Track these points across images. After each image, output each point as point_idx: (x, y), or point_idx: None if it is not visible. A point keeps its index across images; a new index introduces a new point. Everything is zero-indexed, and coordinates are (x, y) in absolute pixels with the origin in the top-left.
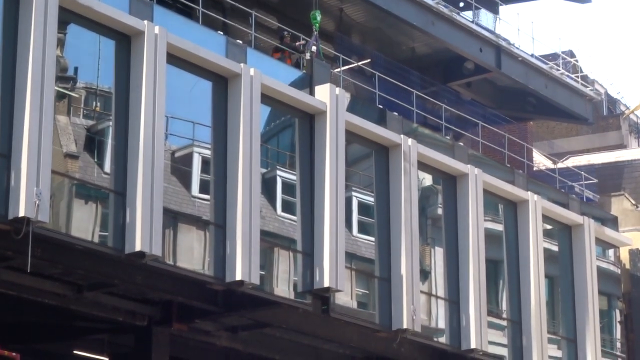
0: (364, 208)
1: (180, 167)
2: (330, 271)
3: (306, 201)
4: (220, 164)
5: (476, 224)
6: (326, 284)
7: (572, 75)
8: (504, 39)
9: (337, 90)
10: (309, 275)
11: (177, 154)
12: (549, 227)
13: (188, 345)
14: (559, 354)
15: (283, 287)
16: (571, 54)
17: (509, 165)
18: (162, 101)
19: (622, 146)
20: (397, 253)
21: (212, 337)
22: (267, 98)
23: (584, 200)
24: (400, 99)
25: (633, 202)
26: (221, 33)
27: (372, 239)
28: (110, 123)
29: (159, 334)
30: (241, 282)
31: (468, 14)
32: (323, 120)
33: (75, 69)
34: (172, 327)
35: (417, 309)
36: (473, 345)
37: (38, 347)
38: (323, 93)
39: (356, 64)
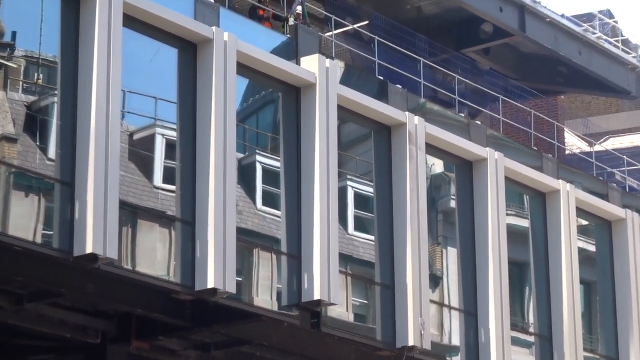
0: (361, 200)
1: (139, 152)
2: (321, 279)
3: (292, 192)
4: (188, 147)
5: (497, 219)
6: (316, 295)
7: (611, 40)
8: None
9: (328, 61)
10: (296, 283)
11: (136, 136)
12: (584, 222)
13: None
14: None
15: (264, 297)
16: (609, 14)
17: (535, 149)
18: (117, 72)
19: None
20: (401, 255)
21: (178, 357)
22: (244, 68)
23: (627, 190)
24: (404, 69)
25: None
26: None
27: (372, 238)
28: (56, 99)
29: (114, 353)
30: (214, 291)
31: None
32: (311, 94)
33: (13, 34)
34: (131, 345)
35: (427, 322)
36: None
37: None
38: (311, 63)
39: (351, 27)
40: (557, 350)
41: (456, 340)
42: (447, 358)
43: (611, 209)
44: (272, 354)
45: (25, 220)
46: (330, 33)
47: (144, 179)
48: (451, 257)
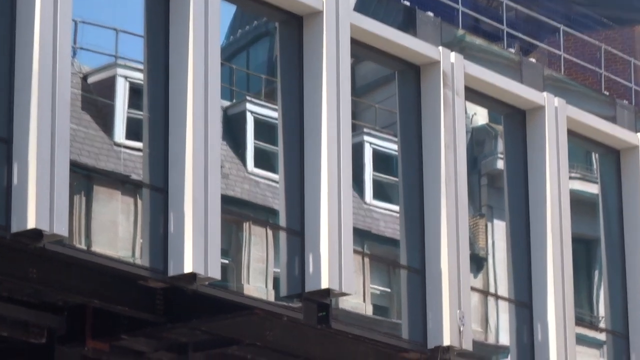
0: (382, 160)
1: (96, 100)
2: (330, 261)
3: (292, 151)
4: (159, 93)
5: (557, 184)
6: (324, 283)
7: None
8: None
9: None
10: (298, 267)
11: (91, 79)
12: None
13: None
14: None
15: (257, 285)
16: None
17: (607, 93)
18: None
19: None
20: (434, 230)
21: None
22: None
23: None
24: None
25: None
26: None
27: (396, 208)
28: None
29: (64, 356)
30: (192, 277)
31: None
32: (317, 24)
33: None
34: (86, 346)
35: (467, 315)
36: None
37: None
38: None
39: None
40: (636, 350)
41: (505, 339)
42: None
43: None
44: (268, 357)
45: None
46: None
47: (101, 134)
48: (498, 233)
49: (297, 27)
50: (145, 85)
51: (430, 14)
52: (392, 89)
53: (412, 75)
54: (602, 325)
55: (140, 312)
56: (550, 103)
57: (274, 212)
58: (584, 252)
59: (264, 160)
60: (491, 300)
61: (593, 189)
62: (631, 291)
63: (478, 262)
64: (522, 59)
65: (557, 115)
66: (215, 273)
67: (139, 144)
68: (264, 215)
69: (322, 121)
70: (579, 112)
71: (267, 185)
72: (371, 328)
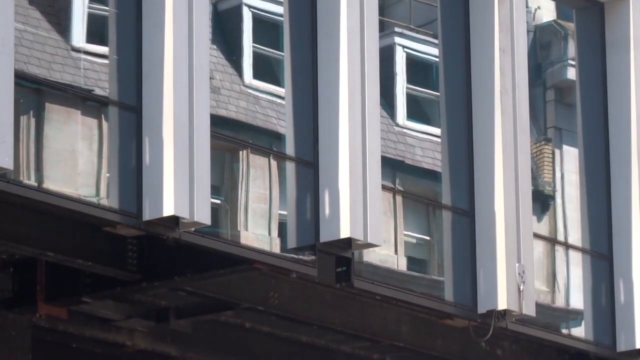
0: (417, 69)
1: None
2: (352, 202)
3: (302, 57)
4: None
5: None
6: (345, 230)
7: None
8: None
9: None
10: (311, 209)
11: None
12: None
13: (67, 348)
14: None
15: (258, 232)
16: None
17: None
18: None
19: None
20: (485, 159)
21: (117, 330)
22: None
23: None
24: None
25: None
26: None
27: (437, 131)
28: None
29: (11, 324)
30: (174, 221)
31: None
32: None
33: None
34: (38, 311)
35: (529, 271)
36: None
37: None
38: None
39: None
40: None
41: (578, 302)
42: (564, 330)
43: None
44: (272, 325)
45: None
46: None
47: (55, 36)
48: (569, 163)
49: None
50: None
51: None
52: None
53: None
54: None
55: (107, 267)
56: None
57: (278, 137)
58: None
59: (266, 70)
60: (560, 251)
61: None
62: None
63: (543, 202)
64: None
65: None
66: (204, 217)
67: (103, 49)
68: (266, 141)
69: (340, 18)
70: None
71: (269, 102)
72: (405, 288)
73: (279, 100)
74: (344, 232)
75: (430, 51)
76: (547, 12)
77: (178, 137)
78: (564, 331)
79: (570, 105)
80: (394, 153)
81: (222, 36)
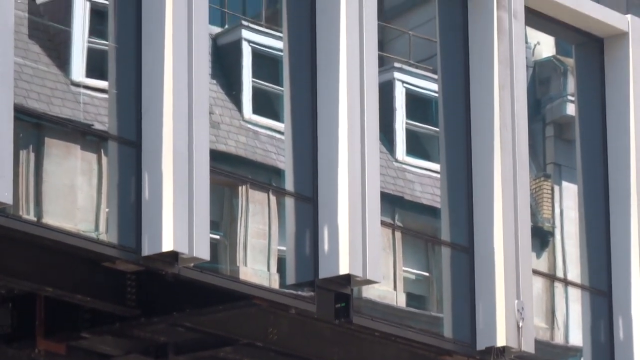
0: (417, 104)
1: (48, 25)
2: (351, 238)
3: (302, 91)
4: (129, 16)
5: None
6: (344, 266)
7: None
8: None
9: None
10: (310, 245)
11: None
12: None
13: None
14: None
15: (257, 267)
16: None
17: None
18: None
19: None
20: (484, 195)
21: None
22: None
23: None
24: None
25: None
26: None
27: (436, 167)
28: None
29: (11, 358)
30: (173, 257)
31: None
32: None
33: None
34: (37, 346)
35: (527, 308)
36: None
37: None
38: None
39: None
40: None
41: (577, 338)
42: None
43: None
44: None
45: None
46: None
47: (55, 70)
48: (568, 199)
49: None
50: (111, 6)
51: None
52: (431, 11)
53: None
54: None
55: (106, 302)
56: (636, 28)
57: (278, 173)
58: None
59: (265, 104)
60: (559, 288)
61: None
62: None
63: (542, 238)
64: None
65: None
66: (203, 252)
67: (103, 84)
68: (265, 176)
69: (339, 53)
70: None
71: (268, 137)
72: (404, 324)
73: (278, 136)
74: (343, 269)
75: (429, 86)
76: (546, 48)
77: (177, 172)
78: None
79: (570, 141)
80: (393, 189)
81: (221, 71)
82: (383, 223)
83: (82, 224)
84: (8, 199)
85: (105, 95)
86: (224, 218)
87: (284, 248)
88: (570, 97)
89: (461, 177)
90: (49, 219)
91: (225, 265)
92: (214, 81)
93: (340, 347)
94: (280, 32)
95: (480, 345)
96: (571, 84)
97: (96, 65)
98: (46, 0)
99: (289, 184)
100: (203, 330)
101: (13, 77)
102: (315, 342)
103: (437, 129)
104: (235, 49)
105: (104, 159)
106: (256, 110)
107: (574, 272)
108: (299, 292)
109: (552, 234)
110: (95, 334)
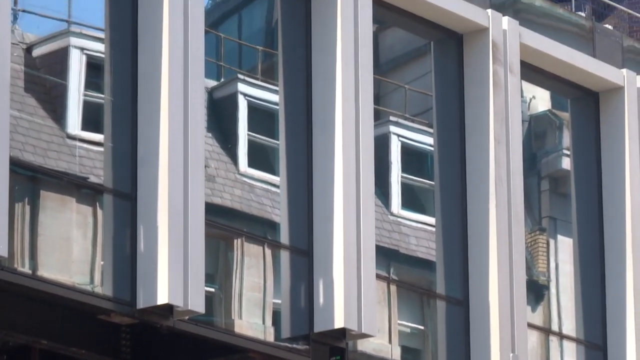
0: (413, 158)
1: (44, 78)
2: (346, 292)
3: (297, 145)
4: (124, 69)
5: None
6: (339, 320)
7: None
8: None
9: None
10: (305, 298)
11: (37, 51)
12: None
13: None
14: None
15: (252, 320)
16: None
17: None
18: None
19: None
20: (480, 249)
21: None
22: None
23: None
24: None
25: None
26: None
27: (431, 220)
28: None
29: None
30: (168, 310)
31: None
32: None
33: None
34: None
35: None
36: None
37: None
38: None
39: None
40: None
41: None
42: None
43: None
44: None
45: None
46: None
47: (51, 124)
48: (563, 252)
49: None
50: (107, 59)
51: None
52: (427, 65)
53: (452, 47)
54: None
55: (101, 355)
56: (631, 83)
57: (273, 226)
58: None
59: (261, 157)
60: (554, 341)
61: None
62: None
63: (537, 291)
64: (595, 26)
65: (639, 98)
66: (198, 305)
67: (99, 137)
68: (260, 229)
69: (335, 106)
70: None
71: (264, 191)
72: None
73: (273, 189)
74: (338, 322)
75: (425, 140)
76: (542, 102)
77: (173, 225)
78: None
79: (565, 195)
80: (388, 242)
81: (217, 124)
82: (378, 276)
83: (77, 276)
84: (3, 251)
85: (100, 148)
86: (219, 271)
87: (279, 301)
88: (565, 151)
89: (456, 230)
90: (44, 272)
91: (220, 318)
92: (210, 134)
93: None
94: (276, 85)
95: None
96: (566, 138)
97: (92, 118)
98: (43, 53)
99: (284, 237)
100: None
101: (9, 130)
102: None
103: (433, 183)
104: (231, 102)
105: (99, 212)
106: (252, 163)
107: (569, 326)
108: (294, 346)
109: (547, 287)
110: None
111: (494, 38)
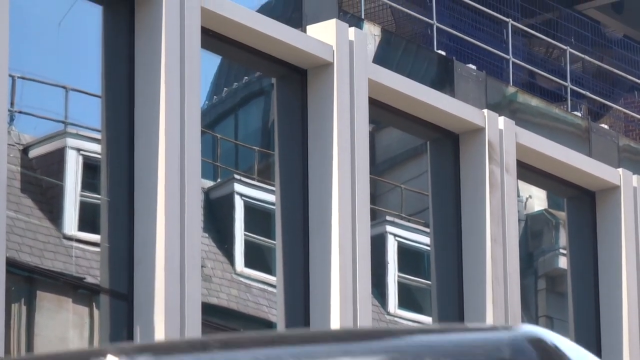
0: (409, 257)
1: (40, 179)
2: None
3: (294, 245)
4: (122, 170)
5: (637, 286)
6: None
7: None
8: None
9: (353, 30)
10: None
11: (34, 152)
12: None
13: None
14: None
15: None
16: None
17: None
18: (2, 47)
19: None
20: None
21: None
22: (214, 38)
23: None
24: (481, 38)
25: None
26: None
27: (427, 320)
28: None
29: None
30: None
31: None
32: (326, 80)
33: None
34: None
35: None
36: None
37: None
38: (325, 30)
39: None
40: None
41: None
42: None
43: None
44: None
45: None
46: None
47: (47, 224)
48: None
49: (300, 84)
50: (104, 160)
51: (473, 66)
52: (423, 164)
53: (448, 146)
54: None
55: None
56: (628, 182)
57: (270, 326)
58: None
59: (257, 257)
60: None
61: None
62: None
63: None
64: (591, 125)
65: (636, 197)
66: None
67: (95, 237)
68: (257, 329)
69: (332, 206)
70: None
71: (260, 291)
72: None
73: (270, 289)
74: None
75: (421, 240)
76: (538, 201)
77: (169, 325)
78: None
79: (562, 294)
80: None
81: (213, 224)
82: None
83: None
84: (0, 352)
85: (97, 249)
86: None
87: None
88: (562, 250)
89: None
90: None
91: None
92: (206, 234)
93: None
94: (273, 185)
95: None
96: (563, 237)
97: (88, 219)
98: (39, 154)
99: None
100: None
101: (5, 230)
102: None
103: (430, 282)
104: (227, 202)
105: (96, 312)
106: (248, 263)
107: None
108: None
109: None
110: None
111: (490, 138)
